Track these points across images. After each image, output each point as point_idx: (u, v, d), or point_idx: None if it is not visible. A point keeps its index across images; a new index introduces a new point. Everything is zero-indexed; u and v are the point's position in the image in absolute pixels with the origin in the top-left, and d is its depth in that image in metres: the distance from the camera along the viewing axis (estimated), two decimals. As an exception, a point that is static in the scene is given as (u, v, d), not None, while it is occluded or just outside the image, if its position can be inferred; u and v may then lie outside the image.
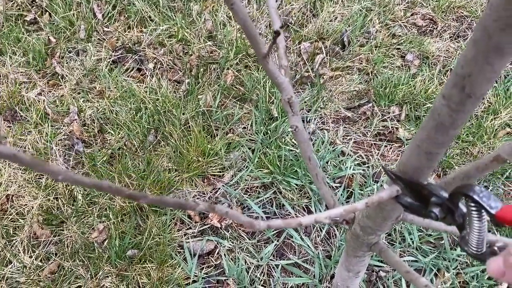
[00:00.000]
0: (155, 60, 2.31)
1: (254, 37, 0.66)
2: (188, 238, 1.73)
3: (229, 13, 2.51)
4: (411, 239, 1.69)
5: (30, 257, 1.64)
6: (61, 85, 2.15)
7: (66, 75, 2.17)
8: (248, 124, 2.09)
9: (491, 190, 1.90)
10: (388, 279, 1.60)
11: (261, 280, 1.62)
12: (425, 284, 0.80)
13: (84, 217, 1.74)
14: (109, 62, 2.25)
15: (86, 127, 2.01)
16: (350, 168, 1.92)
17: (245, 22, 0.63)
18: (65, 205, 1.75)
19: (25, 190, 1.78)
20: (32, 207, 1.73)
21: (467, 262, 1.66)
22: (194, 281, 1.62)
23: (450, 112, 0.59)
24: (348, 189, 1.87)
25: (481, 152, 2.01)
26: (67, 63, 2.23)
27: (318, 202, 1.83)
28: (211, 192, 1.88)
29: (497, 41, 0.47)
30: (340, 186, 1.88)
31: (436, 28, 2.66)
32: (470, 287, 1.59)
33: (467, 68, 0.53)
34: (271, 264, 1.66)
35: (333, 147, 2.04)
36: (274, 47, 0.76)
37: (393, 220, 0.89)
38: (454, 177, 0.79)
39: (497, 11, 0.44)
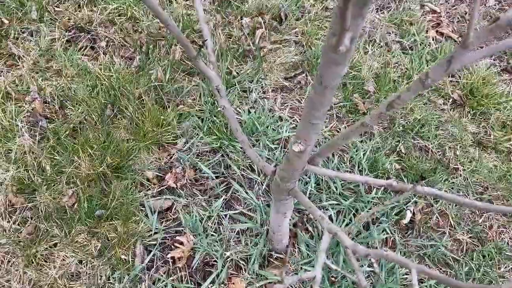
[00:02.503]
0: (107, 39, 2.48)
1: (186, 45, 0.93)
2: (148, 198, 2.01)
3: (175, -9, 2.69)
4: (335, 187, 2.05)
5: (8, 222, 1.86)
6: (19, 65, 2.30)
7: (23, 56, 2.32)
8: (197, 96, 2.34)
9: (403, 143, 2.28)
10: (315, 220, 1.96)
11: (213, 228, 1.94)
12: (319, 215, 1.13)
13: (54, 185, 1.96)
14: (63, 41, 2.40)
15: (48, 104, 2.20)
16: (286, 131, 2.24)
17: (179, 36, 0.90)
18: (35, 176, 1.97)
19: (-4, 164, 1.98)
20: (5, 179, 1.94)
21: (378, 203, 2.05)
22: (155, 233, 1.91)
23: (317, 97, 0.90)
24: (284, 149, 2.20)
25: (395, 112, 2.38)
26: (22, 43, 2.37)
27: (259, 161, 2.14)
28: (166, 158, 2.15)
29: (330, 57, 0.77)
30: (278, 147, 2.20)
31: (364, 1, 2.96)
32: (380, 221, 1.98)
33: (321, 70, 0.83)
34: (221, 215, 1.98)
35: (272, 114, 2.34)
36: (205, 47, 1.03)
37: (300, 170, 1.21)
38: (338, 138, 1.11)
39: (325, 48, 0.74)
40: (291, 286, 1.82)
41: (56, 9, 2.53)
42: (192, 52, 0.94)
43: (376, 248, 1.92)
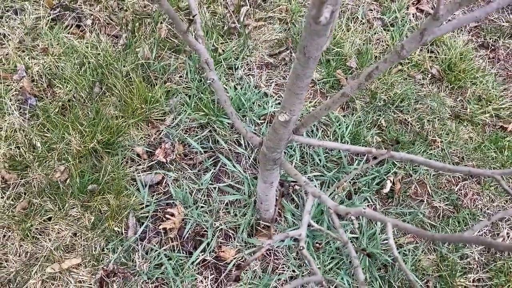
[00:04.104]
0: (92, 17, 2.49)
1: (176, 20, 0.98)
2: (139, 173, 2.07)
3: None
4: (319, 159, 2.14)
5: (2, 197, 1.91)
6: (4, 44, 2.30)
7: (8, 34, 2.32)
8: (184, 73, 2.38)
9: (383, 117, 2.37)
10: (301, 191, 2.05)
11: (202, 200, 2.02)
12: (304, 180, 1.21)
13: (46, 162, 2.01)
14: (48, 20, 2.40)
15: (36, 83, 2.22)
16: (272, 106, 2.30)
17: (169, 11, 0.95)
18: (27, 153, 2.01)
19: (-13, 142, 2.00)
20: (-3, 156, 1.98)
21: (361, 174, 2.15)
22: (147, 205, 1.98)
23: (301, 68, 0.97)
24: (270, 124, 2.26)
25: (377, 87, 2.46)
26: (7, 22, 2.36)
27: (246, 136, 2.21)
28: (155, 134, 2.20)
29: (312, 29, 0.84)
30: (264, 122, 2.27)
31: (347, -22, 3.01)
32: (361, 191, 2.09)
33: (305, 41, 0.89)
34: (210, 187, 2.05)
35: (258, 90, 2.40)
36: (194, 22, 1.08)
37: (286, 140, 1.29)
38: (320, 108, 1.19)
39: (307, 20, 0.80)
40: (281, 254, 1.92)
41: (40, -13, 2.51)
42: (182, 26, 0.99)
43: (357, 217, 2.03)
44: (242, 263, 1.84)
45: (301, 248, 1.00)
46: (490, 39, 2.85)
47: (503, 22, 2.95)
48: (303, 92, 1.05)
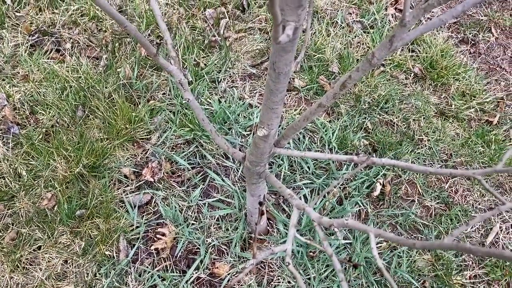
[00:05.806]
0: (71, 40, 2.48)
1: (145, 44, 0.97)
2: (127, 194, 2.05)
3: (136, -12, 2.70)
4: (307, 167, 2.14)
5: (-10, 230, 1.88)
6: (-16, 73, 2.29)
7: (-13, 64, 2.30)
8: (167, 90, 2.37)
9: (369, 119, 2.37)
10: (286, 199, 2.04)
11: (193, 217, 2.00)
12: (288, 193, 1.21)
13: (32, 190, 1.99)
14: (27, 46, 2.39)
15: (18, 111, 2.20)
16: (257, 117, 2.30)
17: (137, 36, 0.95)
18: (12, 182, 1.99)
19: (-29, 174, 1.98)
20: (-18, 188, 1.95)
21: (350, 179, 2.14)
22: (137, 227, 1.96)
23: (273, 83, 0.96)
24: (257, 134, 2.26)
25: (360, 90, 2.47)
26: (-15, 52, 2.35)
27: (233, 149, 2.20)
28: (141, 154, 2.19)
29: (278, 46, 0.83)
30: (250, 133, 2.26)
31: (324, -16, 3.02)
32: (352, 195, 2.08)
33: (273, 58, 0.89)
34: (200, 204, 2.04)
35: (242, 102, 2.39)
36: (164, 44, 1.08)
37: (267, 154, 1.28)
38: (299, 120, 1.18)
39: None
40: (275, 266, 1.90)
41: (17, 14, 2.50)
42: (151, 49, 0.99)
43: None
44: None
45: (287, 264, 0.99)
46: (469, 34, 2.87)
47: (481, 16, 2.98)
48: (279, 106, 1.05)
